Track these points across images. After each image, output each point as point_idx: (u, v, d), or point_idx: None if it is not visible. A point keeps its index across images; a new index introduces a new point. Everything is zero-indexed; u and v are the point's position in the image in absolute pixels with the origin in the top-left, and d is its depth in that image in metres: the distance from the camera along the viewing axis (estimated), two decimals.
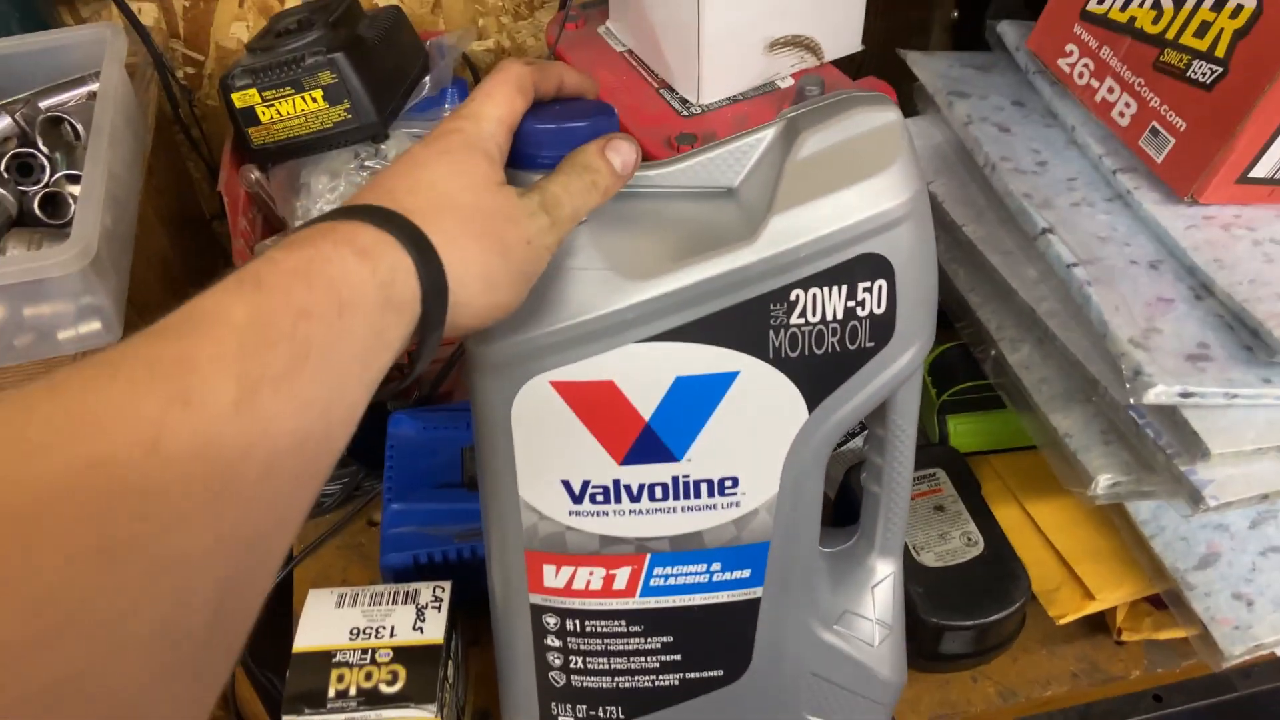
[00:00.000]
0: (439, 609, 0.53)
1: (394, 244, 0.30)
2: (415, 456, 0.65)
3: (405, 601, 0.53)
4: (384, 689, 0.49)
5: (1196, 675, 0.62)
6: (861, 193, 0.39)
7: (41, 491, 0.20)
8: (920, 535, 0.59)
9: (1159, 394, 0.47)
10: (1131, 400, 0.47)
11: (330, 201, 0.72)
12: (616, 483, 0.44)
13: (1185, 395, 0.47)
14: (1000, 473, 0.65)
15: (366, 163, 0.72)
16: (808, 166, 0.39)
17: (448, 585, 0.54)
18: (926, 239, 0.41)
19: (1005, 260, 0.60)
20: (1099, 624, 0.61)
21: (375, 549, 0.65)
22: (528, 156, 0.39)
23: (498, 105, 0.36)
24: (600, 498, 0.44)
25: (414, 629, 0.52)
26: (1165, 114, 0.55)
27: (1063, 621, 0.57)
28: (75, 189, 0.58)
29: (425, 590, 0.54)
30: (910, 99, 0.72)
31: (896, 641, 0.52)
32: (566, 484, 0.44)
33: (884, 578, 0.51)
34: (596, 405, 0.42)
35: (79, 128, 0.63)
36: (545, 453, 0.43)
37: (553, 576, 0.46)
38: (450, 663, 0.52)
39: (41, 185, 0.58)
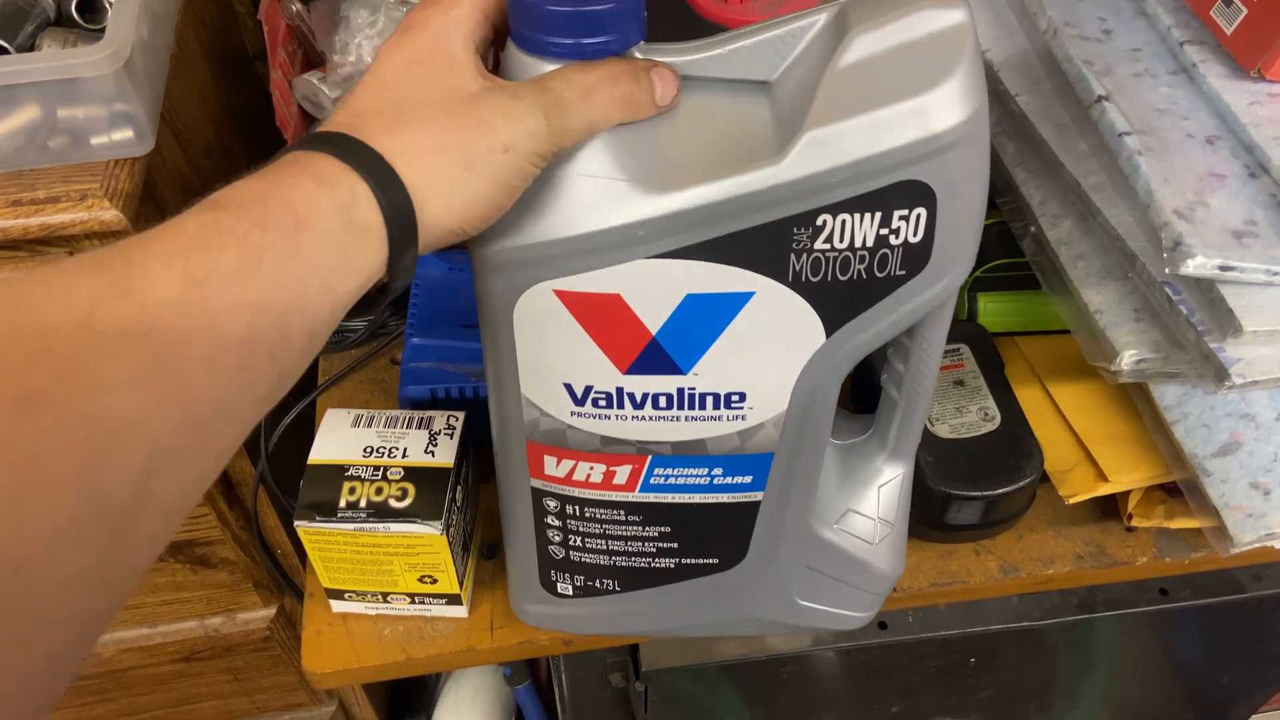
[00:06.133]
0: (451, 436, 0.54)
1: (351, 172, 0.30)
2: (439, 296, 0.66)
3: (419, 426, 0.54)
4: (393, 504, 0.50)
5: (1204, 569, 0.62)
6: (909, 111, 0.34)
7: None
8: (937, 408, 0.59)
9: (1198, 265, 0.45)
10: (1168, 270, 0.46)
11: (369, 37, 0.71)
12: (619, 390, 0.42)
13: (1224, 269, 0.45)
14: (1025, 354, 0.64)
15: None
16: (852, 74, 0.34)
17: (461, 415, 0.55)
18: (979, 166, 0.37)
19: (1057, 133, 0.58)
20: (1110, 511, 0.61)
21: (396, 385, 0.67)
22: (535, 41, 0.34)
23: None
24: (602, 403, 0.42)
25: (426, 452, 0.53)
26: None
27: (1072, 501, 0.57)
28: None
29: (439, 418, 0.54)
30: None
31: (898, 537, 0.51)
32: (569, 387, 0.42)
33: (892, 479, 0.50)
34: (602, 316, 0.39)
35: None
36: (547, 356, 0.41)
37: (553, 466, 0.45)
38: (460, 489, 0.53)
39: None
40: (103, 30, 0.53)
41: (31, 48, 0.56)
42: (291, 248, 0.28)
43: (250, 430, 0.29)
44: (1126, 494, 0.59)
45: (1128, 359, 0.51)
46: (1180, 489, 0.56)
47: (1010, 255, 0.64)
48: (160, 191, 0.63)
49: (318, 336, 0.30)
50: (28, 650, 0.22)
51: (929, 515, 0.57)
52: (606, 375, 0.41)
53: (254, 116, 0.87)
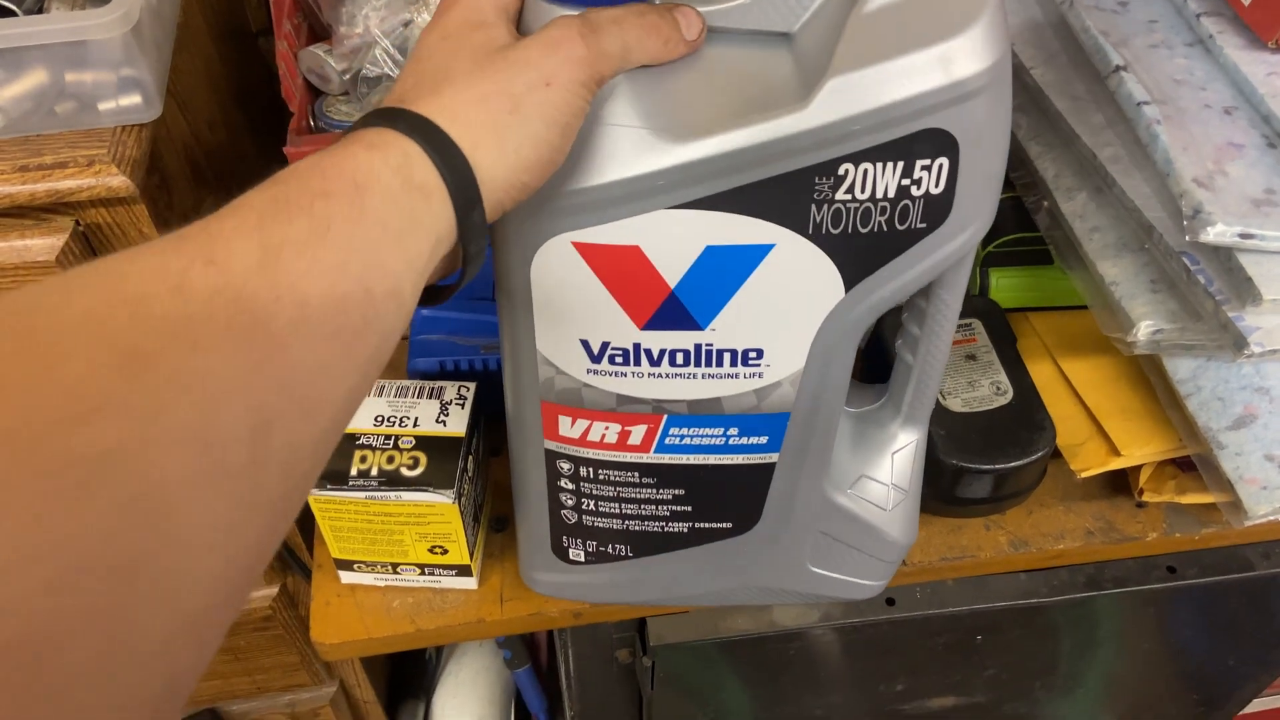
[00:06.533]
0: (462, 407, 0.53)
1: (400, 136, 0.31)
2: None
3: (430, 397, 0.54)
4: (405, 472, 0.50)
5: (1214, 545, 0.62)
6: (934, 58, 0.34)
7: (75, 316, 0.23)
8: (949, 382, 0.58)
9: (1218, 233, 0.45)
10: (1188, 239, 0.46)
11: (375, 9, 0.70)
12: (637, 346, 0.42)
13: (1244, 236, 0.45)
14: (1038, 330, 0.63)
15: None
16: (876, 20, 0.34)
17: (472, 385, 0.54)
18: (1001, 114, 0.36)
19: (1072, 106, 0.58)
20: (1121, 487, 0.61)
21: (405, 358, 0.66)
22: None
23: None
24: (619, 359, 0.42)
25: (437, 422, 0.52)
26: None
27: (1084, 475, 0.57)
28: None
29: (450, 389, 0.54)
30: None
31: (911, 505, 0.51)
32: (585, 343, 0.42)
33: (906, 445, 0.50)
34: (620, 269, 0.39)
35: None
36: (564, 312, 0.41)
37: (568, 427, 0.45)
38: (471, 459, 0.53)
39: None
40: None
41: (40, 10, 0.55)
42: (356, 212, 0.29)
43: (363, 397, 0.30)
44: (1138, 469, 0.58)
45: (1144, 330, 0.50)
46: (1193, 463, 0.56)
47: (1022, 230, 0.64)
48: (165, 162, 0.63)
49: (403, 297, 0.30)
50: (170, 609, 0.22)
51: (940, 489, 0.57)
52: (624, 331, 0.41)
53: (257, 92, 0.87)
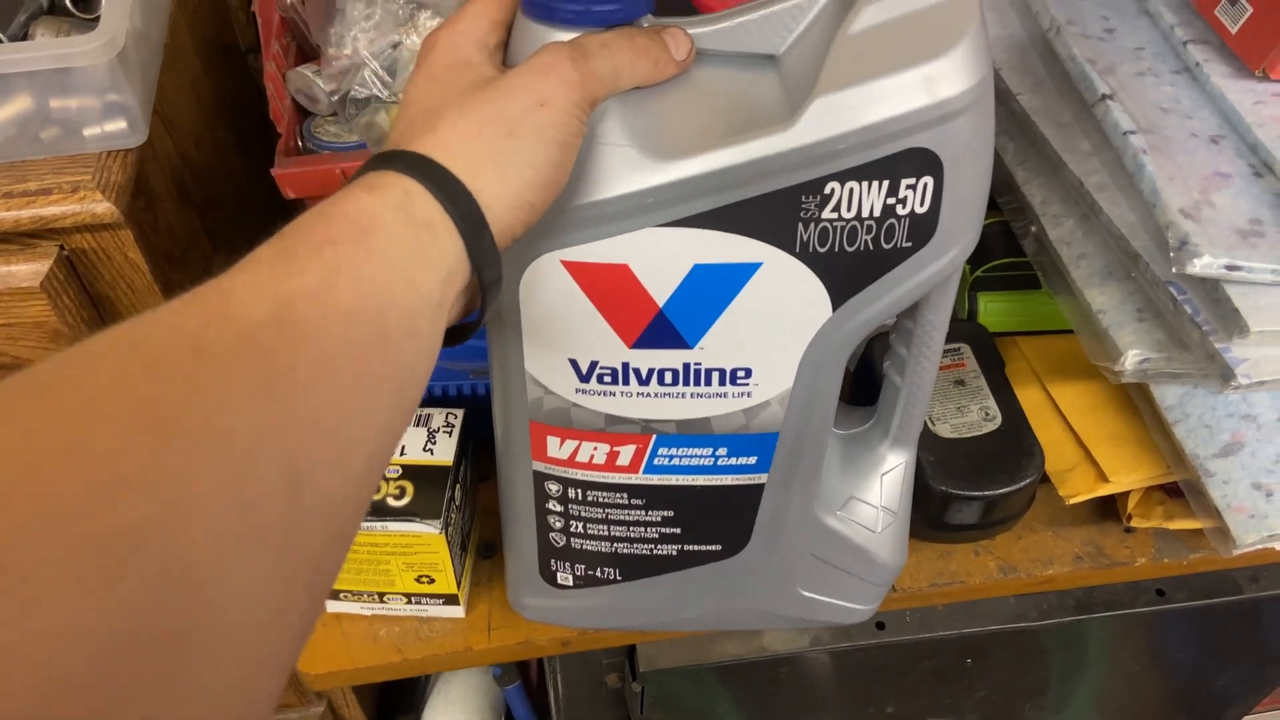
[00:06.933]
0: (450, 434, 0.53)
1: (398, 174, 0.31)
2: None
3: (418, 424, 0.53)
4: (391, 502, 0.50)
5: (1203, 570, 0.62)
6: (917, 79, 0.34)
7: (99, 386, 0.23)
8: (938, 407, 0.58)
9: (1205, 265, 0.45)
10: (1175, 270, 0.46)
11: (364, 30, 0.70)
12: (625, 365, 0.42)
13: (1231, 268, 0.45)
14: (1026, 354, 0.63)
15: None
16: (861, 42, 0.35)
17: (460, 412, 0.54)
18: (985, 134, 0.37)
19: (1059, 132, 0.58)
20: (1109, 512, 0.61)
21: None
22: (548, 8, 0.35)
23: (477, 3, 0.36)
24: (608, 379, 0.42)
25: (424, 450, 0.52)
26: None
27: (1073, 501, 0.57)
28: None
29: (438, 415, 0.54)
30: None
31: (900, 527, 0.51)
32: (574, 363, 0.42)
33: (894, 467, 0.50)
34: (609, 288, 0.39)
35: None
36: (553, 331, 0.41)
37: (556, 448, 0.45)
38: (458, 487, 0.53)
39: None
40: (96, 19, 0.52)
41: (24, 37, 0.55)
42: (363, 254, 0.29)
43: (397, 438, 0.30)
44: (1126, 495, 0.58)
45: (1131, 359, 0.50)
46: (1181, 490, 0.56)
47: (1010, 255, 0.64)
48: (151, 183, 0.62)
49: (421, 334, 0.30)
50: (219, 673, 0.22)
51: (929, 515, 0.57)
52: (613, 350, 0.41)
53: (245, 109, 0.86)
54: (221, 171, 0.80)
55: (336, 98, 0.70)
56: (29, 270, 0.54)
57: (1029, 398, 0.60)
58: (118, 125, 0.54)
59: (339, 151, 0.69)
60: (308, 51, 0.75)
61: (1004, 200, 0.62)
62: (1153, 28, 0.58)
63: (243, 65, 0.91)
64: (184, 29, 0.72)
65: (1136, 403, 0.57)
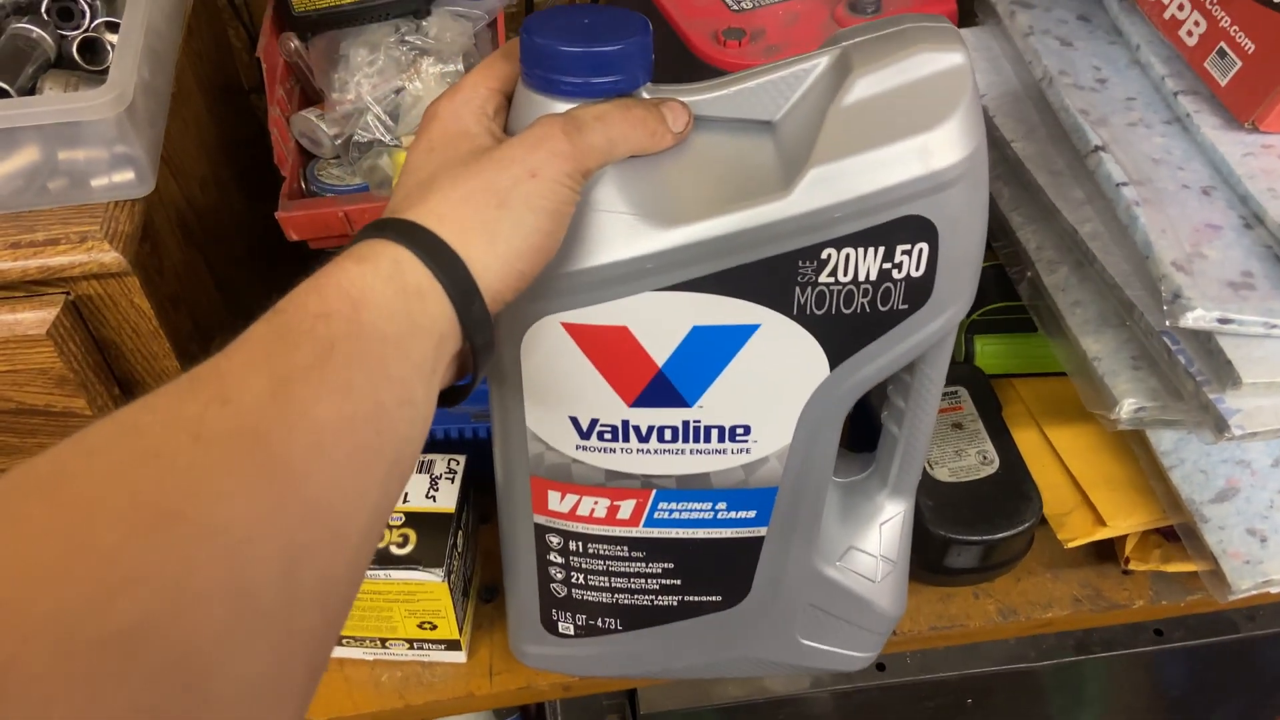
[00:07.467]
0: (452, 480, 0.53)
1: (389, 244, 0.32)
2: None
3: (420, 471, 0.54)
4: (394, 550, 0.50)
5: (1200, 611, 0.62)
6: (911, 150, 0.35)
7: (99, 479, 0.24)
8: (936, 451, 0.59)
9: (1197, 318, 0.46)
10: (1168, 323, 0.46)
11: (368, 75, 0.71)
12: (625, 423, 0.42)
13: (1223, 321, 0.46)
14: (1023, 397, 0.64)
15: (407, 37, 0.71)
16: (855, 113, 0.35)
17: (462, 459, 0.55)
18: (978, 201, 0.38)
19: (1052, 180, 0.58)
20: (1107, 554, 0.61)
21: None
22: (545, 80, 0.35)
23: (478, 73, 0.37)
24: (608, 436, 0.43)
25: (427, 497, 0.52)
26: (1234, 35, 0.53)
27: (1071, 545, 0.57)
28: (114, 37, 0.57)
29: (440, 461, 0.54)
30: (971, 8, 0.69)
31: (899, 576, 0.52)
32: (575, 420, 0.42)
33: (893, 516, 0.50)
34: (609, 349, 0.40)
35: None
36: (553, 390, 0.41)
37: (557, 502, 0.46)
38: (460, 533, 0.53)
39: (81, 30, 0.57)
40: (104, 71, 0.53)
41: (33, 90, 0.56)
42: (355, 329, 0.29)
43: (388, 512, 0.30)
44: (1123, 539, 0.59)
45: (1127, 408, 0.51)
46: (1177, 533, 0.56)
47: (1007, 298, 0.64)
48: (157, 228, 0.63)
49: (416, 403, 0.30)
50: None
51: (928, 559, 0.57)
52: (613, 408, 0.42)
53: (249, 148, 0.87)
54: (224, 211, 0.80)
55: (340, 141, 0.71)
56: (36, 318, 0.55)
57: (1026, 441, 0.61)
58: (125, 176, 0.54)
59: (342, 194, 0.69)
60: (311, 95, 0.76)
61: (1000, 245, 0.63)
62: (1144, 78, 0.59)
63: (246, 104, 0.92)
64: (189, 72, 0.73)
65: (1132, 447, 0.58)
